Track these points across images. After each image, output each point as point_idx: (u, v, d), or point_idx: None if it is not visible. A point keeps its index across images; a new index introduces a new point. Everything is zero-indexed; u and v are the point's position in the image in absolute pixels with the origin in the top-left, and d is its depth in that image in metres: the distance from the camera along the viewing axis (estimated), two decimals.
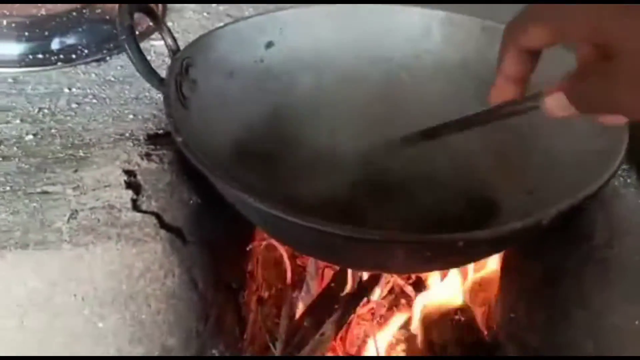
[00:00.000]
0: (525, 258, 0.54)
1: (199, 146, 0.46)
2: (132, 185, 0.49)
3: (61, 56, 0.68)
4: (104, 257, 0.45)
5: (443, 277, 0.69)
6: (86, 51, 0.69)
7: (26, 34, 0.68)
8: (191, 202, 0.50)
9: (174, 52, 0.57)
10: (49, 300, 0.45)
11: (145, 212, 0.48)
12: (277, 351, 0.63)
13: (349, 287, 0.67)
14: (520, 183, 0.56)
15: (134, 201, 0.48)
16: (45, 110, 0.60)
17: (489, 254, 0.54)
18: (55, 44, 0.69)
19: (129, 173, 0.50)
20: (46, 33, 0.69)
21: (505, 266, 0.58)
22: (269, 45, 0.63)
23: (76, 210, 0.47)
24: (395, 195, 0.57)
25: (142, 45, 0.71)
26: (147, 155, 0.52)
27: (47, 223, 0.46)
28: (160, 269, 0.47)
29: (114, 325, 0.47)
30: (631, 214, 0.52)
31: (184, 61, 0.54)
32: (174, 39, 0.57)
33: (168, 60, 0.67)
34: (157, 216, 0.48)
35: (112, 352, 0.49)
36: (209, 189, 0.49)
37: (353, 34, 0.66)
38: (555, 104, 0.35)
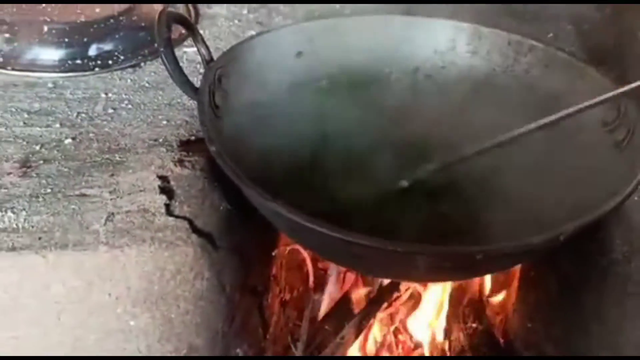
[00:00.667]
0: (542, 269, 0.55)
1: (230, 155, 0.48)
2: (166, 190, 0.51)
3: (98, 62, 0.70)
4: (138, 259, 0.47)
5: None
6: (122, 57, 0.72)
7: (65, 40, 0.71)
8: (222, 208, 0.52)
9: (208, 61, 0.59)
10: (85, 299, 0.48)
11: (177, 216, 0.50)
12: (297, 352, 0.65)
13: (369, 292, 0.69)
14: (543, 199, 0.57)
15: (167, 206, 0.50)
16: (84, 115, 0.62)
17: (508, 266, 0.55)
18: (92, 50, 0.71)
19: (162, 178, 0.53)
20: (84, 39, 0.71)
21: (522, 276, 0.59)
22: (299, 55, 0.65)
23: (112, 213, 0.49)
24: (422, 206, 0.58)
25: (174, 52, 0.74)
26: (180, 162, 0.54)
27: (85, 225, 0.49)
28: (191, 271, 0.49)
29: (144, 324, 0.49)
30: None
31: (217, 71, 0.56)
32: (208, 49, 0.59)
33: (200, 68, 0.70)
34: (189, 221, 0.50)
35: (142, 349, 0.51)
36: (238, 196, 0.51)
37: (381, 44, 0.68)
38: None
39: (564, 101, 0.60)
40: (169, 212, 0.50)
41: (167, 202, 0.51)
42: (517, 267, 0.61)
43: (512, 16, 0.85)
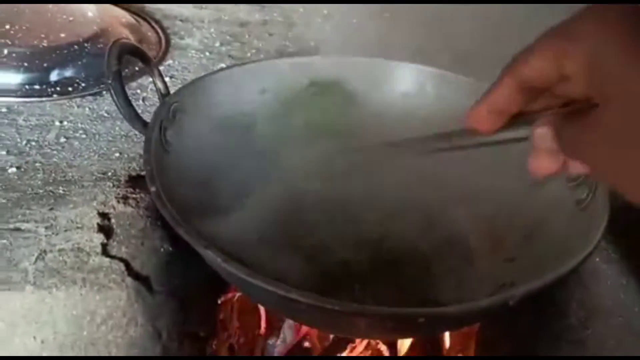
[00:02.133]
0: (496, 330, 0.53)
1: (175, 193, 0.46)
2: (105, 228, 0.49)
3: (58, 88, 0.69)
4: (66, 302, 0.45)
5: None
6: (83, 84, 0.70)
7: (25, 64, 0.69)
8: (162, 250, 0.50)
9: (164, 95, 0.57)
10: (8, 341, 0.45)
11: (113, 257, 0.47)
12: None
13: (325, 340, 0.66)
14: (501, 250, 0.55)
15: (103, 246, 0.48)
16: (33, 143, 0.60)
17: (457, 327, 0.53)
18: (53, 76, 0.70)
19: (103, 215, 0.50)
20: (45, 64, 0.70)
21: (479, 335, 0.57)
22: (263, 92, 0.63)
23: (45, 251, 0.47)
24: (375, 258, 0.56)
25: (141, 81, 0.73)
26: (124, 198, 0.52)
27: (14, 262, 0.46)
28: (124, 317, 0.46)
29: None
30: (611, 292, 0.50)
31: (172, 106, 0.54)
32: (164, 83, 0.57)
33: None
34: (126, 263, 0.47)
35: None
36: (181, 237, 0.48)
37: (349, 86, 0.67)
38: (542, 137, 0.33)
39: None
40: (104, 252, 0.47)
41: (105, 241, 0.48)
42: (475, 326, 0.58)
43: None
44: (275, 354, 0.68)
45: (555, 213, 0.53)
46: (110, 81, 0.50)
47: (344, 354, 0.66)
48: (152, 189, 0.45)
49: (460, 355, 0.61)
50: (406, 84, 0.66)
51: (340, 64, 0.67)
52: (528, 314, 0.50)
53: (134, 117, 0.52)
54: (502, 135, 0.36)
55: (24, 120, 0.63)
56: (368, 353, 0.67)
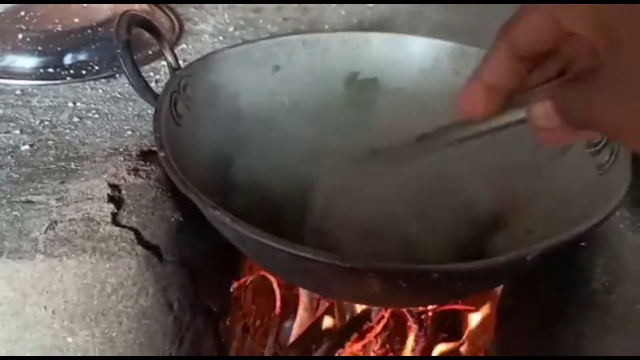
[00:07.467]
0: (520, 299, 0.51)
1: (184, 163, 0.45)
2: (115, 199, 0.49)
3: (71, 71, 0.69)
4: (76, 270, 0.44)
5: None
6: (97, 67, 0.70)
7: (39, 48, 0.69)
8: (173, 219, 0.49)
9: (175, 69, 0.57)
10: (20, 311, 0.45)
11: (124, 226, 0.47)
12: None
13: (341, 321, 0.65)
14: (521, 221, 0.54)
15: (114, 215, 0.47)
16: (47, 123, 0.60)
17: (474, 290, 0.51)
18: (67, 59, 0.70)
19: (113, 187, 0.50)
20: (59, 48, 0.70)
21: (501, 307, 0.55)
22: (276, 69, 0.63)
23: (55, 221, 0.47)
24: (387, 226, 0.54)
25: (154, 64, 0.73)
26: (135, 171, 0.52)
27: (24, 232, 0.46)
28: (134, 286, 0.46)
29: (83, 341, 0.46)
30: (637, 259, 0.48)
31: (182, 79, 0.54)
32: (175, 57, 0.57)
33: None
34: (136, 232, 0.47)
35: None
36: (194, 209, 0.48)
37: (363, 62, 0.65)
38: (541, 112, 0.29)
39: None
40: (115, 221, 0.47)
41: (115, 211, 0.48)
42: (496, 297, 0.57)
43: None
44: (291, 336, 0.67)
45: (575, 181, 0.51)
46: (119, 50, 0.49)
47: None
48: (162, 154, 0.44)
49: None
50: (422, 60, 0.65)
51: (354, 40, 0.66)
52: (551, 282, 0.48)
53: (143, 87, 0.51)
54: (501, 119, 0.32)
55: (37, 102, 0.64)
56: (386, 333, 0.66)
